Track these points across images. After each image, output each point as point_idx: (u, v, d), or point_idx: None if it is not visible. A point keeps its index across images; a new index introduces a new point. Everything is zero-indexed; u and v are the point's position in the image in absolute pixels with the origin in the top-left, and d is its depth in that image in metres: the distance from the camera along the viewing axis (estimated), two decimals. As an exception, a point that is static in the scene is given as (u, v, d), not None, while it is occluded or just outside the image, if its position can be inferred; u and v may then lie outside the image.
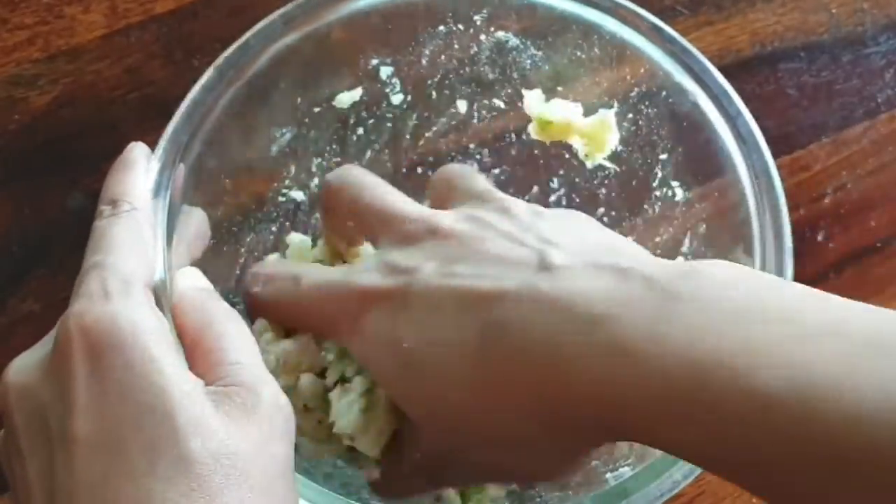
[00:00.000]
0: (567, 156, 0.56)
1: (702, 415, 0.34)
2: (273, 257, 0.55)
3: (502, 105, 0.56)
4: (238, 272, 0.54)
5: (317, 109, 0.54)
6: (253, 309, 0.48)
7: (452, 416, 0.41)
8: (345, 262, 0.53)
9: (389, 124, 0.57)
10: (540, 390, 0.38)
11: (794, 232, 0.49)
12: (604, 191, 0.57)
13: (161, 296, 0.41)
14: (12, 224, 0.63)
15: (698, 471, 0.44)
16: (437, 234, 0.42)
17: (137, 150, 0.44)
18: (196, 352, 0.39)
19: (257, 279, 0.48)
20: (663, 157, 0.54)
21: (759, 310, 0.35)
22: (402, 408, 0.43)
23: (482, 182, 0.47)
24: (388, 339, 0.42)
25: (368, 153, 0.57)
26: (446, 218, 0.43)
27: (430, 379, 0.41)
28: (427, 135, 0.58)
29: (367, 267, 0.44)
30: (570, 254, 0.39)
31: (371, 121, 0.56)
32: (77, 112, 0.65)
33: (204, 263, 0.46)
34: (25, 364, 0.39)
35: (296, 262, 0.49)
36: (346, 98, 0.55)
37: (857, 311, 0.35)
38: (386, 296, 0.42)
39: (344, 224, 0.50)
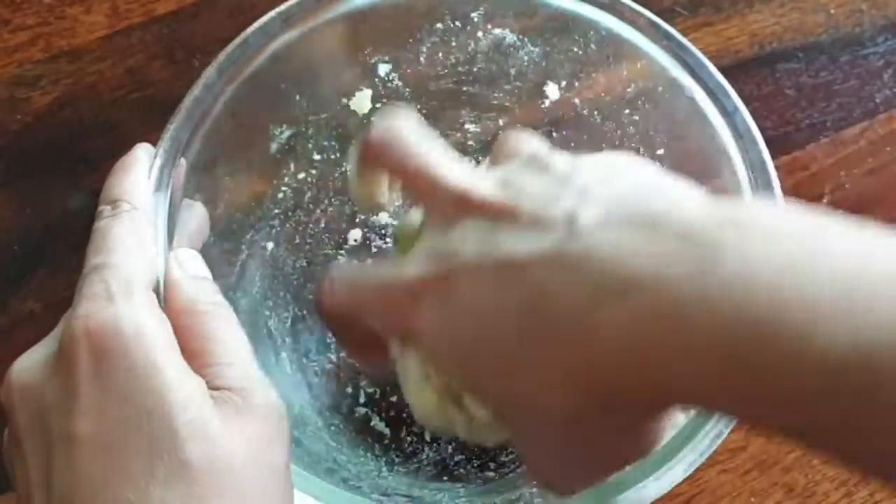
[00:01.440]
0: (567, 154, 0.56)
1: (754, 377, 0.32)
2: (337, 264, 0.53)
3: (500, 102, 0.57)
4: (238, 269, 0.54)
5: (320, 111, 0.55)
6: (328, 321, 0.46)
7: (509, 399, 0.39)
8: None
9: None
10: (581, 361, 0.35)
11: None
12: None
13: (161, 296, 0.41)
14: (13, 224, 0.63)
15: (697, 464, 0.44)
16: (470, 210, 0.39)
17: (140, 151, 0.44)
18: (185, 351, 0.39)
19: (324, 292, 0.45)
20: (660, 152, 0.54)
21: (810, 262, 0.31)
22: (468, 395, 0.42)
23: (532, 143, 0.45)
24: (441, 328, 0.40)
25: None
26: (479, 189, 0.40)
27: (483, 359, 0.39)
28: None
29: (416, 257, 0.41)
30: (605, 207, 0.36)
31: (372, 118, 0.57)
32: (78, 112, 0.66)
33: (204, 259, 0.46)
34: (29, 363, 0.39)
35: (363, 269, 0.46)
36: (361, 99, 0.55)
37: None
38: (432, 286, 0.40)
39: (379, 185, 0.48)
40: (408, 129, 0.44)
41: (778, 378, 0.31)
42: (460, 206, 0.40)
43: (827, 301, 0.30)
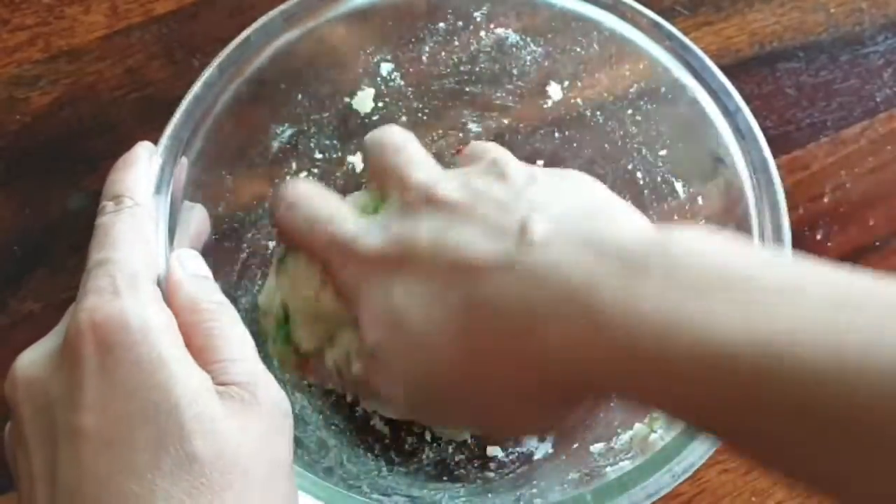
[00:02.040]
0: (567, 154, 0.56)
1: (665, 374, 0.35)
2: (303, 179, 0.54)
3: (503, 102, 0.57)
4: (239, 267, 0.54)
5: (321, 110, 0.55)
6: (277, 229, 0.49)
7: (438, 379, 0.42)
8: None
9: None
10: (522, 357, 0.39)
11: (792, 231, 0.49)
12: (604, 188, 0.57)
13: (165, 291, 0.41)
14: (13, 224, 0.63)
15: (698, 465, 0.44)
16: (433, 204, 0.43)
17: (141, 148, 0.44)
18: (190, 347, 0.39)
19: (280, 201, 0.48)
20: (663, 153, 0.54)
21: (720, 275, 0.36)
22: (385, 361, 0.44)
23: (497, 150, 0.48)
24: (383, 304, 0.42)
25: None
26: (443, 186, 0.43)
27: (419, 344, 0.42)
28: (427, 131, 0.58)
29: (372, 229, 0.44)
30: (555, 222, 0.40)
31: (374, 117, 0.57)
32: (78, 112, 0.66)
33: (205, 259, 0.46)
34: (34, 357, 0.39)
35: (320, 195, 0.48)
36: (363, 98, 0.55)
37: (821, 273, 0.35)
38: (383, 262, 0.43)
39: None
40: (397, 134, 0.48)
41: (676, 373, 0.35)
42: (424, 198, 0.43)
43: (721, 306, 0.35)
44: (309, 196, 0.47)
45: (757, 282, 0.35)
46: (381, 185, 0.47)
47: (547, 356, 0.39)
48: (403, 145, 0.47)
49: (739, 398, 0.34)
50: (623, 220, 0.42)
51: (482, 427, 0.49)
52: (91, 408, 0.36)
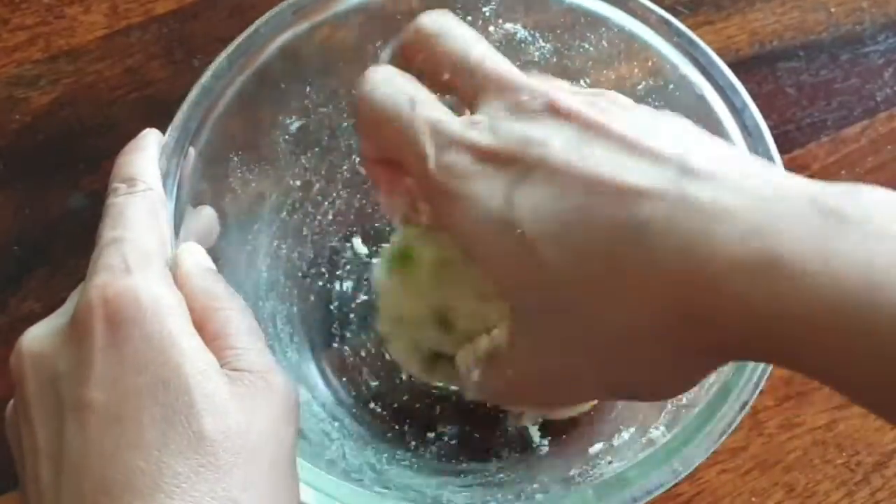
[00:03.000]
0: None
1: (874, 339, 0.31)
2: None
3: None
4: (244, 259, 0.54)
5: (329, 103, 0.54)
6: (359, 113, 0.43)
7: (571, 317, 0.37)
8: None
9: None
10: (681, 302, 0.34)
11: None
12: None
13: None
14: (13, 223, 0.63)
15: (697, 461, 0.44)
16: (558, 113, 0.37)
17: (151, 137, 0.44)
18: (202, 335, 0.38)
19: (370, 79, 0.42)
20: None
21: None
22: (503, 293, 0.40)
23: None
24: (499, 215, 0.37)
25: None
26: (568, 96, 0.38)
27: (551, 274, 0.37)
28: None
29: (480, 125, 0.39)
30: (713, 159, 0.36)
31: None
32: (78, 112, 0.66)
33: (211, 252, 0.46)
34: (40, 333, 0.38)
35: (410, 80, 0.42)
36: None
37: None
38: (504, 160, 0.37)
39: (439, 76, 0.43)
40: (464, 25, 0.42)
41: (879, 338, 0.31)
42: (544, 104, 0.38)
43: None
44: (397, 76, 0.42)
45: None
46: (463, 87, 0.41)
47: (719, 303, 0.33)
48: (485, 41, 0.41)
49: None
50: (778, 169, 0.37)
51: (614, 391, 0.42)
52: (99, 383, 0.35)
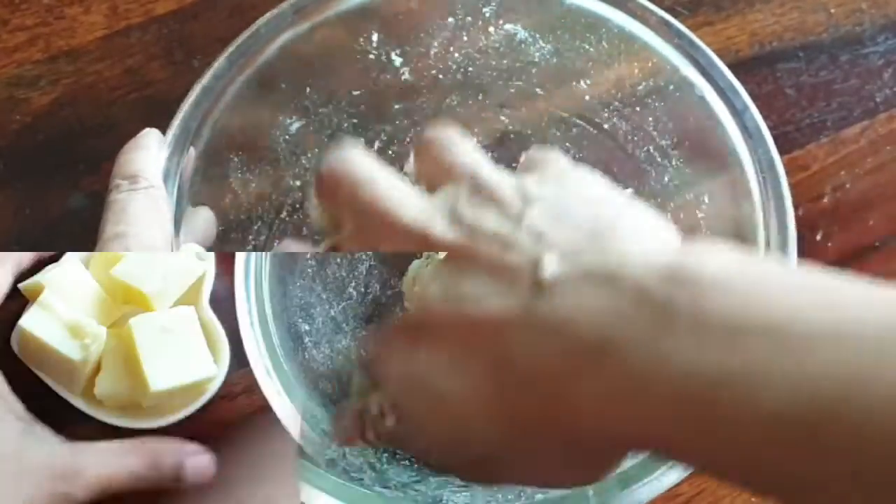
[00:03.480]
0: (574, 152, 0.56)
1: (711, 434, 0.32)
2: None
3: (509, 98, 0.56)
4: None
5: (330, 103, 0.54)
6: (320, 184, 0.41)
7: (472, 448, 0.38)
8: None
9: (397, 118, 0.57)
10: (556, 421, 0.35)
11: (793, 231, 0.49)
12: (611, 187, 0.57)
13: None
14: (13, 223, 0.63)
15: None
16: (431, 250, 0.38)
17: (151, 136, 0.45)
18: None
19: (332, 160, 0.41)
20: (670, 151, 0.54)
21: (757, 317, 0.32)
22: (415, 433, 0.40)
23: (466, 152, 0.40)
24: (405, 370, 0.39)
25: (377, 144, 0.58)
26: (435, 229, 0.37)
27: (450, 413, 0.38)
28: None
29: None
30: (562, 253, 0.35)
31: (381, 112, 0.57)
32: (78, 112, 0.65)
33: (210, 249, 0.46)
34: None
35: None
36: None
37: (868, 302, 0.32)
38: (405, 335, 0.39)
39: (342, 216, 0.42)
40: (363, 159, 0.40)
41: (723, 434, 0.31)
42: (420, 247, 0.38)
43: (762, 360, 0.31)
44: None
45: (797, 326, 0.31)
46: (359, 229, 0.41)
47: (581, 414, 0.34)
48: (380, 175, 0.40)
49: (785, 461, 0.31)
50: (636, 238, 0.36)
51: (526, 484, 0.44)
52: None
